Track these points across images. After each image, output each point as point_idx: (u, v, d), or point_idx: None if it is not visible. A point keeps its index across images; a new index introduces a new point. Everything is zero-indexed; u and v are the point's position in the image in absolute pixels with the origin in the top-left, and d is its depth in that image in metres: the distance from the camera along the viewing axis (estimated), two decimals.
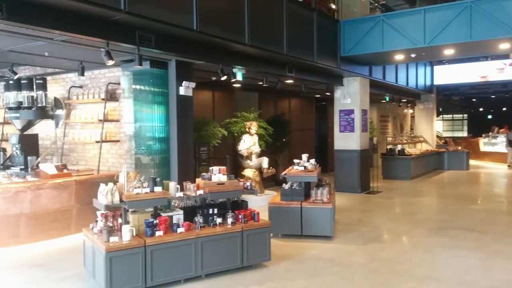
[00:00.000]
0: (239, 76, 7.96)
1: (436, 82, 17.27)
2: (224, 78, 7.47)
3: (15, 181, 6.56)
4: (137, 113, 7.45)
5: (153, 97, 7.24)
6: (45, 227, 6.45)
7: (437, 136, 19.57)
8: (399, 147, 14.95)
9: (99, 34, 5.41)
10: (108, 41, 5.57)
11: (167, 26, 5.78)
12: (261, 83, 9.02)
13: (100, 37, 5.45)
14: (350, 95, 11.25)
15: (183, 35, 6.28)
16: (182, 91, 7.06)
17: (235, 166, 10.11)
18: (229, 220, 5.12)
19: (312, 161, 7.31)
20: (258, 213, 5.42)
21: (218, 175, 5.32)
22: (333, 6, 10.61)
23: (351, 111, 11.22)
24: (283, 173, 7.15)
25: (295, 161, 7.28)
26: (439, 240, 6.71)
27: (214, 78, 8.42)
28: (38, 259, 5.78)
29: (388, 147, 15.28)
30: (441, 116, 22.27)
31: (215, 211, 5.21)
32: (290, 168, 7.29)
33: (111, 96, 8.08)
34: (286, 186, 6.93)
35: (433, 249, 6.22)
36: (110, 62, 5.80)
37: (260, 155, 10.09)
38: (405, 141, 16.78)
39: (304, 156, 7.39)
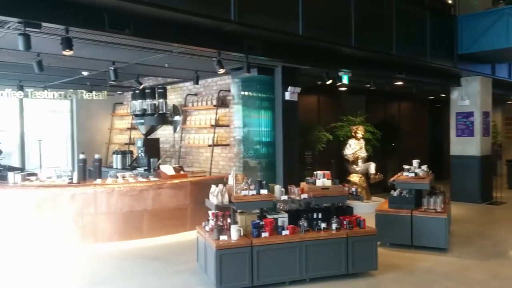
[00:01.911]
0: (345, 80, 7.83)
1: None
2: (329, 82, 7.42)
3: (140, 180, 7.30)
4: (246, 118, 7.78)
5: (260, 102, 7.51)
6: (164, 223, 7.06)
7: None
8: None
9: (211, 45, 5.80)
10: (219, 51, 5.93)
11: (273, 33, 5.95)
12: (369, 86, 8.76)
13: (212, 48, 5.84)
14: (469, 96, 10.32)
15: (289, 41, 6.40)
16: (287, 96, 7.19)
17: (341, 171, 9.93)
18: (334, 226, 5.06)
19: (424, 167, 6.87)
20: (364, 220, 5.27)
21: (322, 179, 5.30)
22: (449, 1, 9.84)
23: (470, 114, 10.28)
24: (392, 179, 6.84)
25: (405, 167, 6.92)
26: None
27: (319, 83, 8.41)
28: (158, 252, 6.37)
29: None
30: None
31: (320, 215, 5.19)
32: (399, 174, 6.95)
33: (222, 102, 8.57)
34: (394, 193, 6.62)
35: None
36: (221, 71, 6.17)
37: (367, 160, 9.78)
38: None
39: (415, 162, 6.98)
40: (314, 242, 4.94)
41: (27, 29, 4.36)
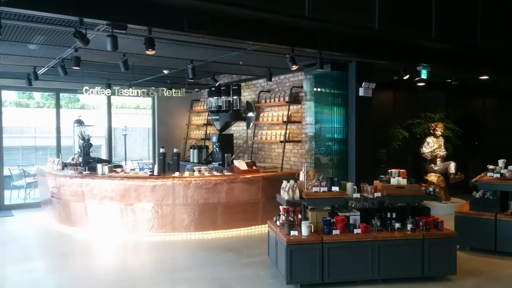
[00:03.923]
0: (423, 75, 7.46)
1: None
2: (406, 77, 7.13)
3: (215, 174, 7.58)
4: (318, 115, 7.73)
5: (332, 99, 7.42)
6: (237, 216, 7.27)
7: None
8: None
9: (285, 42, 5.83)
10: (292, 48, 5.95)
11: (348, 28, 5.84)
12: (450, 80, 8.26)
13: (286, 44, 5.87)
14: None
15: (364, 35, 6.24)
16: (361, 92, 7.03)
17: (417, 170, 9.50)
18: (409, 226, 4.89)
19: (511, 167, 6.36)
20: (442, 222, 5.02)
21: (397, 178, 5.13)
22: None
23: None
24: (474, 179, 6.42)
25: (490, 167, 6.45)
26: None
27: (396, 78, 8.11)
28: (231, 244, 6.60)
29: None
30: None
31: (394, 215, 5.05)
32: (482, 174, 6.49)
33: (294, 99, 8.59)
34: (477, 195, 6.21)
35: None
36: (294, 67, 6.19)
37: (446, 159, 9.26)
38: None
39: (501, 162, 6.49)
40: (388, 242, 4.81)
41: (114, 30, 4.72)
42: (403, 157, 9.09)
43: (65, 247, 6.58)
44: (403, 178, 5.14)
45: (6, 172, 9.99)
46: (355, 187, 5.19)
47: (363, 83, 7.02)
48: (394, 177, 5.16)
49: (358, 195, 5.12)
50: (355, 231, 4.84)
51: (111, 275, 5.33)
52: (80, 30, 4.68)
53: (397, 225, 4.92)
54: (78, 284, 5.01)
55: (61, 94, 10.51)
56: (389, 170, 5.32)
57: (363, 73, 7.11)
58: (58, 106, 10.31)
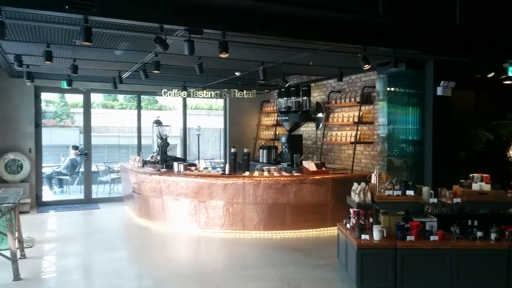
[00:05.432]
0: (510, 72, 6.89)
1: None
2: (491, 75, 6.64)
3: (284, 174, 7.62)
4: (391, 115, 7.46)
5: (407, 99, 7.13)
6: (305, 217, 7.25)
7: None
8: None
9: (357, 41, 5.70)
10: (365, 47, 5.81)
11: (425, 24, 5.57)
12: None
13: (358, 44, 5.74)
14: None
15: (443, 31, 5.91)
16: (439, 91, 6.67)
17: (503, 175, 8.75)
18: (493, 235, 4.56)
19: None
20: None
21: (479, 183, 4.81)
22: None
23: None
24: None
25: None
26: None
27: (478, 76, 7.57)
28: (299, 245, 6.60)
29: None
30: None
31: (475, 223, 4.73)
32: None
33: (366, 99, 8.37)
34: None
35: None
36: (367, 67, 6.04)
37: None
38: None
39: None
40: (468, 251, 4.53)
41: (191, 35, 4.94)
42: (486, 161, 8.45)
43: (144, 240, 7.01)
44: (486, 183, 4.82)
45: (93, 168, 10.88)
46: (431, 191, 4.95)
47: (442, 81, 6.65)
48: (476, 182, 4.85)
49: (435, 200, 4.88)
50: (432, 238, 4.62)
51: (185, 268, 5.59)
52: (160, 36, 4.95)
53: (479, 233, 4.62)
54: (155, 275, 5.31)
55: (141, 96, 11.19)
56: (471, 175, 5.01)
57: (442, 71, 6.74)
58: (139, 107, 10.99)
